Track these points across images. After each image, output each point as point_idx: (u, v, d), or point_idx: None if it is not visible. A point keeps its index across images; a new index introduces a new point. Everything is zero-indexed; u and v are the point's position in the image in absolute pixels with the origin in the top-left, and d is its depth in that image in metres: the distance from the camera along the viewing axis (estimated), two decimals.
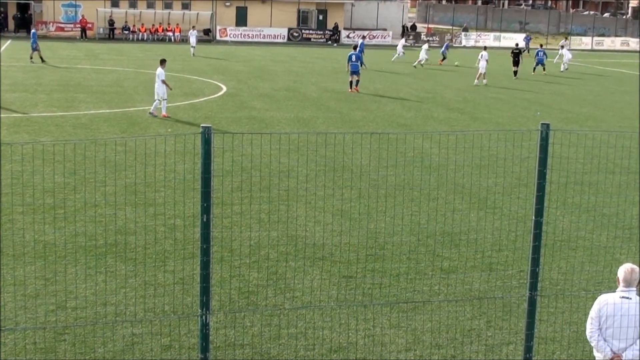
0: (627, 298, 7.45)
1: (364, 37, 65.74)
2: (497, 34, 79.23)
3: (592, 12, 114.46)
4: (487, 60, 41.51)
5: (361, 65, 37.44)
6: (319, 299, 11.11)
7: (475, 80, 41.40)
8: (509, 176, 18.15)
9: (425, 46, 53.48)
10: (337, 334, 9.97)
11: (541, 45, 50.19)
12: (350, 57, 35.77)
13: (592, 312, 7.58)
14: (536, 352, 9.21)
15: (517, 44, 52.78)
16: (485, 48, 44.20)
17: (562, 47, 51.88)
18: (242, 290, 11.26)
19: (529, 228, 8.86)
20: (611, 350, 7.47)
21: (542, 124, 7.89)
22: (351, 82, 35.74)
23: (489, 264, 12.76)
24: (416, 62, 51.24)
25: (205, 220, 7.44)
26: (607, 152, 19.81)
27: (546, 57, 48.83)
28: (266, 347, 9.57)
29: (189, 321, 10.02)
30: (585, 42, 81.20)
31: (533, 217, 8.13)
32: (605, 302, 7.52)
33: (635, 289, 7.51)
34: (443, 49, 55.86)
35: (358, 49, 37.96)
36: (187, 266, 11.91)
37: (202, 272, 7.56)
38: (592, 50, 78.17)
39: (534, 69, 48.23)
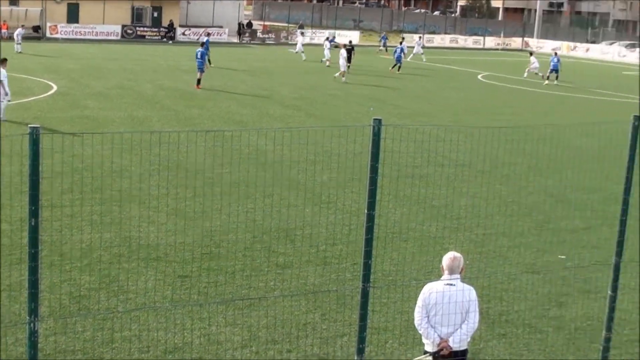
0: (452, 285, 7.72)
1: (209, 34, 65.29)
2: (332, 31, 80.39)
3: (423, 10, 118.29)
4: (345, 58, 42.32)
5: (209, 63, 37.71)
6: (154, 300, 10.94)
7: (337, 75, 42.08)
8: (343, 171, 18.49)
9: (327, 44, 53.63)
10: (172, 335, 9.85)
11: (401, 43, 51.25)
12: (196, 54, 36.70)
13: (419, 301, 7.80)
14: (369, 342, 9.41)
15: (350, 41, 53.75)
16: (344, 46, 45.06)
17: (401, 42, 53.11)
18: (74, 295, 10.94)
19: (362, 221, 9.04)
20: (438, 336, 7.71)
21: (375, 119, 8.06)
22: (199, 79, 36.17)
23: (323, 258, 12.95)
24: (326, 62, 51.28)
25: (33, 224, 7.15)
26: (437, 146, 20.52)
27: (404, 55, 50.01)
28: (99, 352, 9.33)
29: (16, 329, 9.62)
30: (417, 39, 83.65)
31: (366, 211, 8.27)
32: (430, 290, 7.76)
33: (458, 275, 7.79)
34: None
35: (204, 46, 37.90)
36: (14, 272, 11.43)
37: (30, 278, 7.26)
38: (423, 47, 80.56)
39: (394, 67, 49.15)
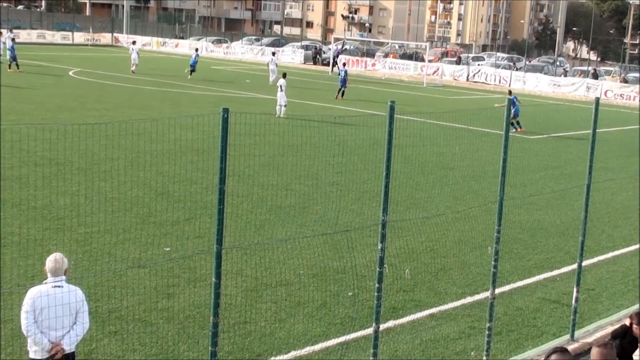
0: (59, 287, 7.54)
1: None
2: None
3: (6, 5, 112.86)
4: None
5: None
6: None
7: None
8: None
9: None
10: None
11: (13, 40, 48.83)
12: None
13: (26, 306, 7.47)
14: None
15: None
16: None
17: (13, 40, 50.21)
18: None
19: None
20: (49, 340, 7.46)
21: None
22: None
23: None
24: None
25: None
26: (31, 145, 19.69)
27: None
28: None
29: None
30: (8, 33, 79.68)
31: None
32: (37, 294, 7.49)
33: (64, 277, 7.62)
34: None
35: None
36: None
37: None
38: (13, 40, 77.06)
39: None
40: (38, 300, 7.45)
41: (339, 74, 45.46)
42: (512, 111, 33.67)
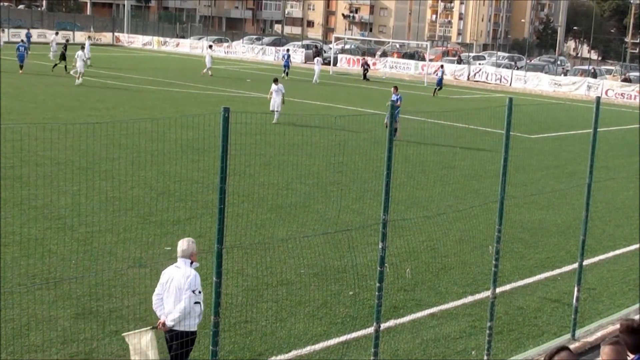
0: (178, 267, 8.42)
1: None
2: None
3: (6, 4, 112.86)
4: None
5: None
6: None
7: None
8: None
9: None
10: None
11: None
12: None
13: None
14: None
15: None
16: None
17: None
18: None
19: None
20: (163, 313, 8.40)
21: None
22: None
23: None
24: None
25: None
26: (32, 145, 19.70)
27: (28, 54, 47.13)
28: None
29: None
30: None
31: None
32: (165, 270, 8.52)
33: (188, 260, 8.43)
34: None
35: None
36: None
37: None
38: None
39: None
40: (164, 276, 8.48)
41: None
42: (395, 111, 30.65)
